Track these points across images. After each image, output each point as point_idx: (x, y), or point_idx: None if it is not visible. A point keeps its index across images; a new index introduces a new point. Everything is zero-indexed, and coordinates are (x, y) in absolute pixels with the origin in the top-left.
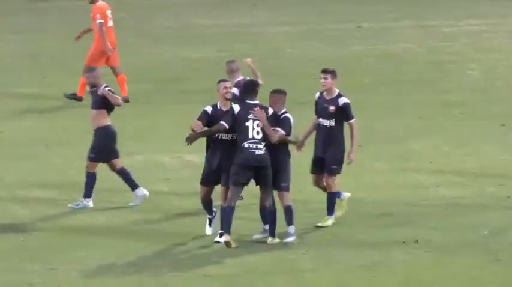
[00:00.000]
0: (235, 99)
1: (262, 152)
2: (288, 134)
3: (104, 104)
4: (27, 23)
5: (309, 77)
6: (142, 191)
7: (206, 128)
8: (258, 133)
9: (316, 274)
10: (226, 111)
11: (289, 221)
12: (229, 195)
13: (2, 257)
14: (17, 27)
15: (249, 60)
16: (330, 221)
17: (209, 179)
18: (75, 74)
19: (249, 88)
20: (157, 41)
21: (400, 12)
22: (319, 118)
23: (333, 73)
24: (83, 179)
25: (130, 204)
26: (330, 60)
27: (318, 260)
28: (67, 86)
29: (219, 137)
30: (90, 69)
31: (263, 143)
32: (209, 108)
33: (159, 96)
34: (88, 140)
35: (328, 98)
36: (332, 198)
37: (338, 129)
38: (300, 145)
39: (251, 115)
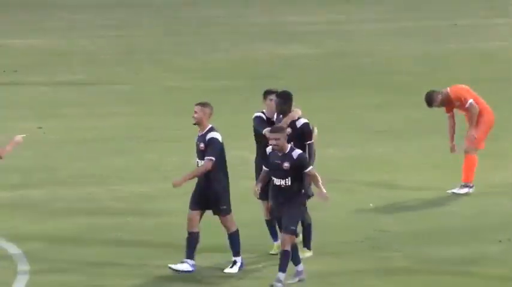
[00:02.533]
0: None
1: None
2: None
3: None
4: (122, 18)
5: (404, 74)
6: None
7: None
8: None
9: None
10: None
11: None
12: None
13: (102, 253)
14: (112, 23)
15: None
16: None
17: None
18: (169, 70)
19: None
20: (252, 38)
21: (495, 10)
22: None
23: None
24: (176, 174)
25: None
26: (425, 57)
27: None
28: (162, 81)
29: None
30: None
31: None
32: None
33: (253, 93)
34: (181, 136)
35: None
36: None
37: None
38: None
39: None
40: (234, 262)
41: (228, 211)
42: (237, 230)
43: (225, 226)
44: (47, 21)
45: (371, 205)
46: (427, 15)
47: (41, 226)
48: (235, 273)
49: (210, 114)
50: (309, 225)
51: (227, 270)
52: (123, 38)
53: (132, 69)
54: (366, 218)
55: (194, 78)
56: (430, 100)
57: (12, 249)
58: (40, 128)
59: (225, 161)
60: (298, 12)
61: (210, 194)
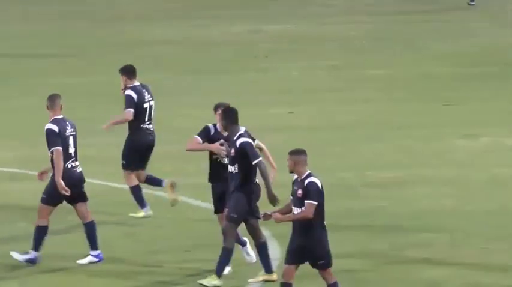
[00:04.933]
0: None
1: None
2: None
3: None
4: (371, 4)
5: None
6: None
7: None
8: None
9: None
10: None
11: None
12: None
13: (351, 237)
14: (365, 9)
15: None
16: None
17: None
18: (426, 55)
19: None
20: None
21: None
22: None
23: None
24: (429, 161)
25: None
26: None
27: None
28: (417, 67)
29: None
30: None
31: None
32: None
33: (504, 80)
34: (433, 124)
35: None
36: None
37: None
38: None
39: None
40: None
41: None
42: None
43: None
44: (301, 7)
45: None
46: None
47: None
48: None
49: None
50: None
51: None
52: (375, 24)
53: (385, 55)
54: None
55: (449, 65)
56: None
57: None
58: (291, 113)
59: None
60: None
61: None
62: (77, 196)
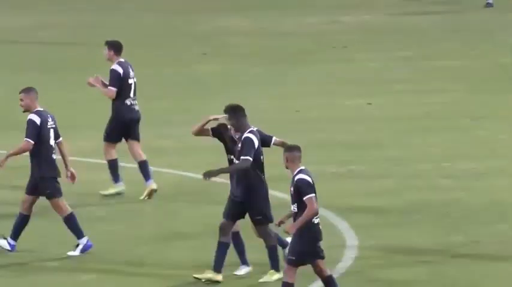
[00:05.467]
0: None
1: None
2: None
3: None
4: None
5: None
6: None
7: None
8: None
9: None
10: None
11: None
12: None
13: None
14: (444, 0)
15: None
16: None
17: None
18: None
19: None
20: None
21: None
22: None
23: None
24: (506, 152)
25: None
26: None
27: None
28: (495, 58)
29: None
30: None
31: None
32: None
33: None
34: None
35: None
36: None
37: None
38: None
39: None
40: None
41: None
42: None
43: None
44: None
45: None
46: None
47: (368, 201)
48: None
49: None
50: (274, 247)
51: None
52: (451, 14)
53: (461, 46)
54: None
55: None
56: None
57: (341, 223)
58: (369, 104)
59: None
60: None
61: None
62: (58, 189)
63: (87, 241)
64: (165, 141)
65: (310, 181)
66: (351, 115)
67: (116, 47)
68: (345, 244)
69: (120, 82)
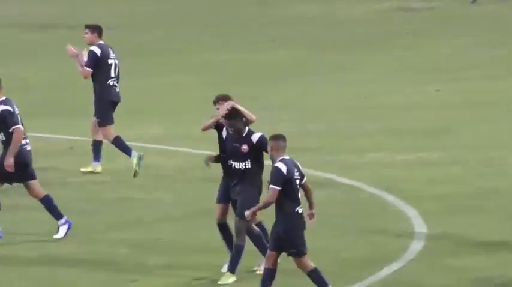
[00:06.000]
0: None
1: None
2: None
3: None
4: None
5: None
6: None
7: None
8: None
9: None
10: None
11: None
12: None
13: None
14: None
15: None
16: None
17: None
18: None
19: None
20: None
21: None
22: None
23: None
24: None
25: None
26: None
27: None
28: None
29: None
30: None
31: None
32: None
33: None
34: None
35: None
36: None
37: None
38: None
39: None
40: None
41: None
42: None
43: None
44: None
45: None
46: None
47: (437, 188)
48: None
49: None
50: (240, 247)
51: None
52: None
53: None
54: None
55: None
56: None
57: (410, 210)
58: (438, 91)
59: None
60: None
61: None
62: (30, 174)
63: (66, 221)
64: None
65: (284, 172)
66: (419, 102)
67: (98, 30)
68: (414, 231)
69: (96, 63)
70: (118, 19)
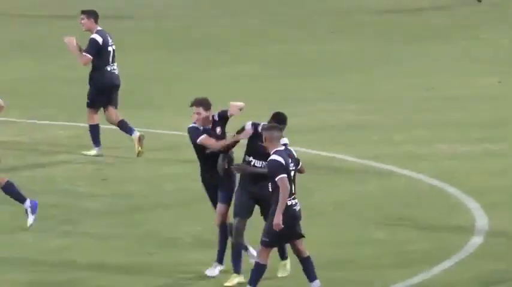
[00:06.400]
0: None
1: None
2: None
3: None
4: None
5: None
6: None
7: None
8: None
9: None
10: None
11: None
12: None
13: None
14: None
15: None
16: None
17: None
18: None
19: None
20: None
21: None
22: None
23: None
24: None
25: None
26: None
27: None
28: None
29: None
30: None
31: None
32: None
33: None
34: None
35: None
36: None
37: None
38: None
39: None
40: None
41: None
42: None
43: None
44: None
45: None
46: None
47: (501, 181)
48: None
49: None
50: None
51: None
52: None
53: None
54: None
55: None
56: None
57: (471, 203)
58: (500, 82)
59: None
60: None
61: None
62: None
63: (31, 202)
64: (300, 119)
65: (282, 162)
66: (483, 93)
67: (95, 16)
68: (475, 223)
69: (97, 50)
70: (182, 10)
